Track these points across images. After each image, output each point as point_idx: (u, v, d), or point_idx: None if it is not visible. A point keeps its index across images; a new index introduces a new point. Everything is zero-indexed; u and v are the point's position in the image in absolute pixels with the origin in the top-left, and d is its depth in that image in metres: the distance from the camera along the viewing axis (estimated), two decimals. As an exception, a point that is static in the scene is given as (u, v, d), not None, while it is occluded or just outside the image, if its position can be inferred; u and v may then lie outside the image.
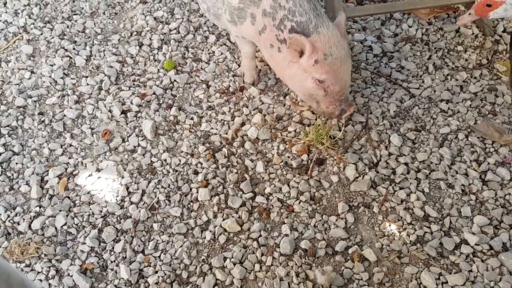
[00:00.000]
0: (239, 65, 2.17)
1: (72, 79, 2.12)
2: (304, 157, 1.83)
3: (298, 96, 2.00)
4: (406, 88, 2.05)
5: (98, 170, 1.82)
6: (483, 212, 1.66)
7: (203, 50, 2.26)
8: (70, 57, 2.20)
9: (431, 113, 1.96)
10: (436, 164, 1.78)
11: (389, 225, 1.63)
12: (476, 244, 1.57)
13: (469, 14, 1.62)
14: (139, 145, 1.89)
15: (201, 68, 2.18)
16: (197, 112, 2.00)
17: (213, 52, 2.25)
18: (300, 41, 1.61)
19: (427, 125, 1.92)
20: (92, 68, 2.17)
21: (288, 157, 1.84)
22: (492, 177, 1.73)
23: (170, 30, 2.34)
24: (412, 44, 2.24)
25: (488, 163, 1.78)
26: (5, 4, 2.46)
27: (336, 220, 1.65)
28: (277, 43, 1.72)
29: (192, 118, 1.98)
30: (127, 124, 1.96)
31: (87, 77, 2.13)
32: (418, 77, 2.11)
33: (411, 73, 2.12)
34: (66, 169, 1.82)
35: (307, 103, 1.89)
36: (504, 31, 2.29)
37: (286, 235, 1.62)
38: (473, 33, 2.28)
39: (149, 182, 1.77)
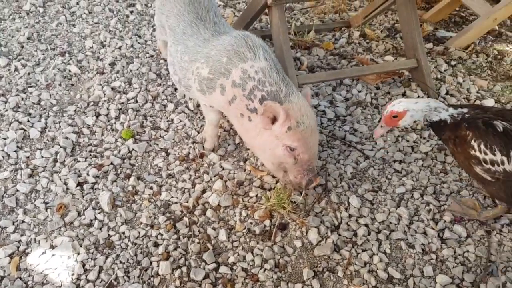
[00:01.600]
0: (198, 132, 2.19)
1: (26, 152, 2.06)
2: (267, 222, 1.82)
3: (260, 162, 2.03)
4: (360, 150, 2.13)
5: (52, 247, 1.73)
6: (445, 271, 1.68)
7: (161, 118, 2.27)
8: (24, 130, 2.15)
9: (386, 174, 2.03)
10: (395, 224, 1.82)
11: (355, 289, 1.62)
12: (440, 304, 1.58)
13: (381, 126, 1.75)
14: (95, 218, 1.83)
15: (160, 136, 2.18)
16: (156, 181, 1.98)
17: (172, 120, 2.27)
18: (275, 108, 1.65)
19: (383, 185, 1.98)
20: (47, 140, 2.13)
21: (251, 223, 1.82)
22: (449, 235, 1.78)
23: (128, 100, 2.35)
24: (363, 107, 2.36)
25: (445, 221, 1.83)
26: (-45, 77, 2.41)
27: None
28: (247, 112, 1.76)
29: (151, 188, 1.95)
30: (83, 196, 1.90)
31: (41, 149, 2.07)
32: (370, 139, 2.19)
33: (364, 135, 2.21)
34: (18, 247, 1.72)
35: (274, 173, 1.89)
36: (447, 93, 2.45)
37: (252, 306, 1.57)
38: (418, 96, 2.42)
39: (107, 257, 1.70)
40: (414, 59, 2.42)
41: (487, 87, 2.53)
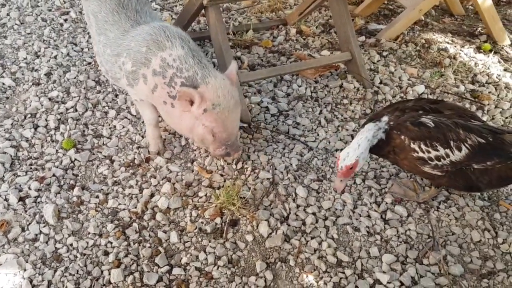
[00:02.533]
0: (142, 137, 2.17)
1: (-41, 170, 1.97)
2: (218, 220, 1.84)
3: (207, 162, 2.05)
4: (304, 142, 2.19)
5: (-4, 266, 1.67)
6: (389, 250, 1.77)
7: (103, 126, 2.23)
8: (-44, 148, 2.05)
9: (329, 163, 2.10)
10: (340, 210, 1.89)
11: (306, 276, 1.67)
12: (388, 283, 1.65)
13: (341, 181, 1.72)
14: (41, 232, 1.77)
15: (103, 143, 2.15)
16: (102, 189, 1.95)
17: (115, 126, 2.24)
18: (188, 92, 1.73)
19: (327, 174, 2.05)
20: (-18, 156, 2.04)
21: (202, 222, 1.84)
22: (391, 215, 1.87)
23: (67, 109, 2.30)
24: (304, 101, 2.43)
25: (386, 203, 1.92)
26: None
27: (256, 280, 1.65)
28: (170, 99, 1.83)
29: (97, 197, 1.92)
30: (26, 211, 1.84)
31: (-23, 166, 1.99)
32: (313, 131, 2.27)
33: (306, 128, 2.28)
34: (-43, 270, 1.65)
35: (200, 145, 2.04)
36: (380, 82, 2.57)
37: (208, 303, 1.59)
38: (354, 87, 2.53)
39: (55, 271, 1.65)
40: (348, 52, 2.52)
41: (417, 74, 2.68)
